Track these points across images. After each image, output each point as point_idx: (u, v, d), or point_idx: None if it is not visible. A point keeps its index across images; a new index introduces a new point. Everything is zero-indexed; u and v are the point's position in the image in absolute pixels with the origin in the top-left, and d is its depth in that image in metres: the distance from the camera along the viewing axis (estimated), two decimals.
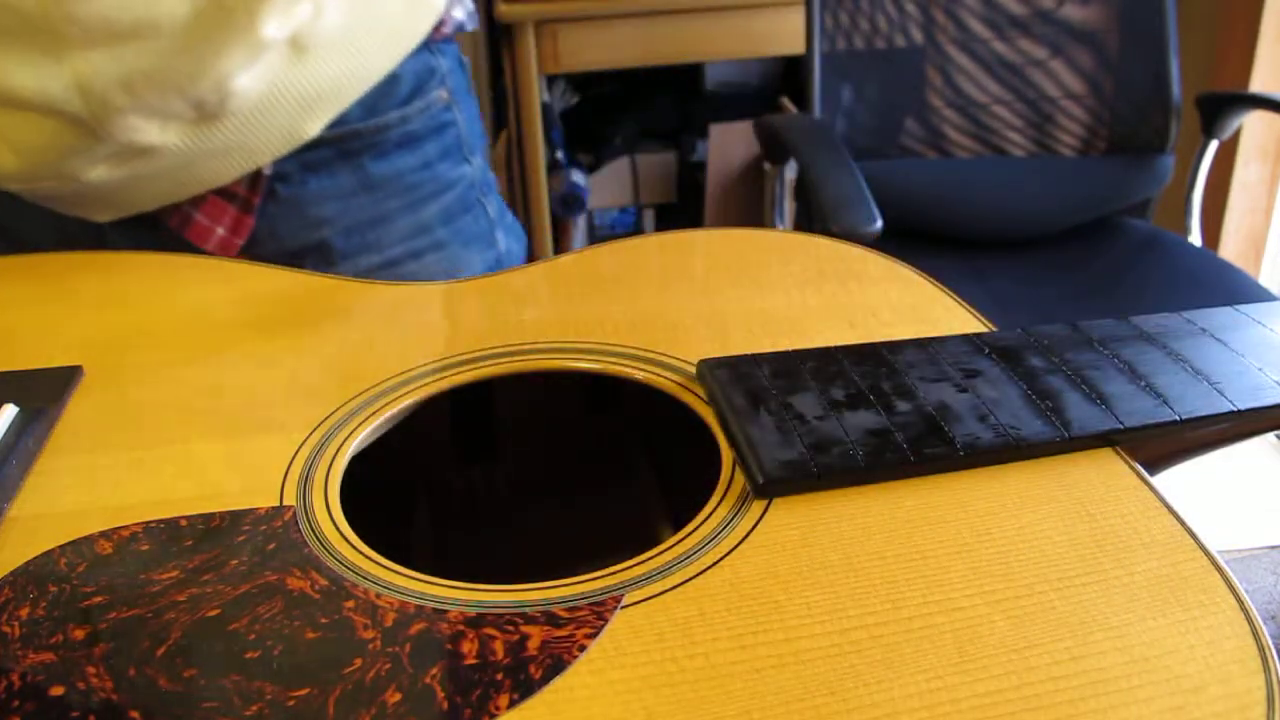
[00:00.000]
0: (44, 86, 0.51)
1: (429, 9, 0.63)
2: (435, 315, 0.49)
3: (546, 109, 1.67)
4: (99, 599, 0.32)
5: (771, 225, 1.46)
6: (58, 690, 0.29)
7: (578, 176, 1.75)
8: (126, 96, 0.53)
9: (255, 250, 0.61)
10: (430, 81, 0.66)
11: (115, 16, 0.50)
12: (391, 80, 0.63)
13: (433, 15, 0.64)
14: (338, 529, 0.36)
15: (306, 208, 0.63)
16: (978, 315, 0.49)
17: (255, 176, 0.61)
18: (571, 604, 0.32)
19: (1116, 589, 0.32)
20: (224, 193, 0.60)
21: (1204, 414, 0.40)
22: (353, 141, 0.63)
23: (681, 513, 0.37)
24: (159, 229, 0.61)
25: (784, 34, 1.58)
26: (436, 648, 0.30)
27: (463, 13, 0.68)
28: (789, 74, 1.88)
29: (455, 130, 0.68)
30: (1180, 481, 0.42)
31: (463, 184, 0.69)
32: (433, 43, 0.66)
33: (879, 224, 0.99)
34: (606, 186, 1.87)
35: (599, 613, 0.31)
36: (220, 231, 0.61)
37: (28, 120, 0.53)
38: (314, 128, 0.60)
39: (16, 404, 0.42)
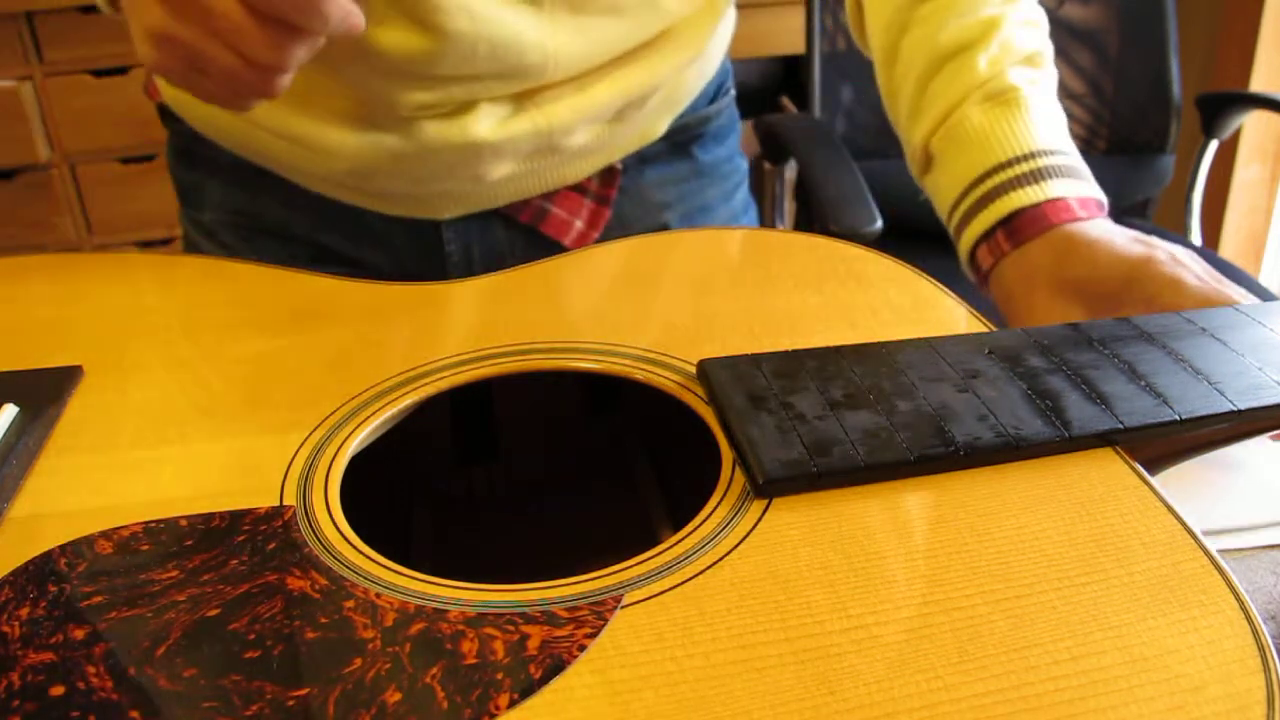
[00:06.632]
0: (511, 134, 0.58)
1: (731, 8, 0.68)
2: (435, 315, 0.49)
3: None
4: (99, 599, 0.32)
5: (771, 225, 1.46)
6: (58, 690, 0.29)
7: None
8: (575, 116, 0.59)
9: (603, 239, 0.65)
10: (728, 80, 0.73)
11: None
12: (710, 77, 0.69)
13: (732, 14, 0.69)
14: (338, 529, 0.36)
15: (650, 194, 0.68)
16: (978, 315, 0.49)
17: (608, 171, 0.65)
18: (571, 604, 0.32)
19: (1116, 589, 0.32)
20: (574, 186, 0.65)
21: (1204, 414, 0.40)
22: (680, 134, 0.68)
23: (681, 513, 0.37)
24: (492, 222, 0.64)
25: (784, 34, 1.58)
26: (436, 648, 0.30)
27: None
28: (789, 74, 1.88)
29: (739, 123, 0.76)
30: (1180, 482, 0.42)
31: (745, 171, 0.76)
32: None
33: (879, 224, 0.99)
34: None
35: (599, 613, 0.31)
36: (579, 225, 0.65)
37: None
38: (663, 126, 0.66)
39: (16, 404, 0.42)
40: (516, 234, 0.64)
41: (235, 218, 0.66)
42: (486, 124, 0.58)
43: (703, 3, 0.62)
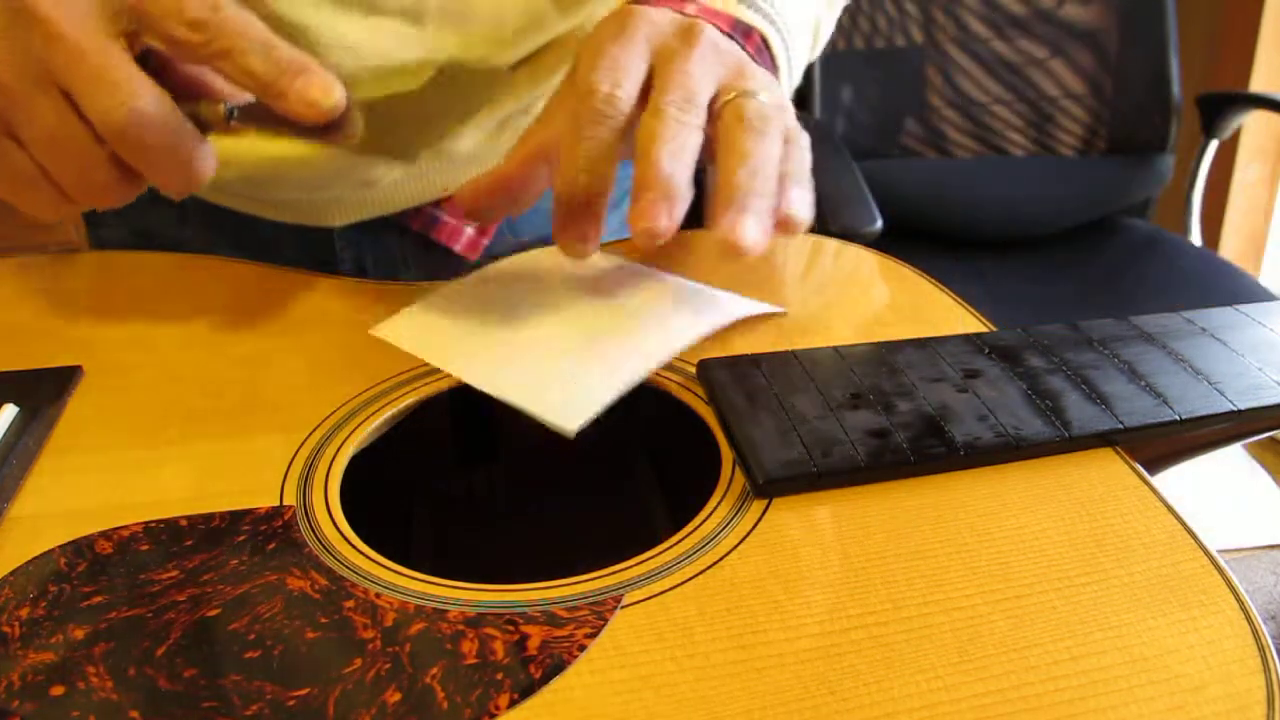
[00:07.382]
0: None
1: None
2: None
3: None
4: (99, 599, 0.32)
5: None
6: (58, 690, 0.29)
7: None
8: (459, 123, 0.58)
9: (495, 247, 0.64)
10: None
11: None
12: None
13: None
14: (338, 529, 0.36)
15: (540, 200, 0.66)
16: (978, 315, 0.49)
17: None
18: (571, 604, 0.32)
19: (1116, 589, 0.32)
20: None
21: (1204, 414, 0.40)
22: None
23: (681, 513, 0.37)
24: (384, 229, 0.63)
25: None
26: (436, 648, 0.30)
27: None
28: None
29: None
30: (1180, 481, 0.42)
31: (628, 173, 0.74)
32: None
33: (879, 224, 0.99)
34: None
35: (599, 613, 0.31)
36: (469, 231, 0.64)
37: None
38: None
39: (16, 404, 0.42)
40: (409, 241, 0.64)
41: (135, 238, 0.66)
42: None
43: (583, 17, 0.62)
